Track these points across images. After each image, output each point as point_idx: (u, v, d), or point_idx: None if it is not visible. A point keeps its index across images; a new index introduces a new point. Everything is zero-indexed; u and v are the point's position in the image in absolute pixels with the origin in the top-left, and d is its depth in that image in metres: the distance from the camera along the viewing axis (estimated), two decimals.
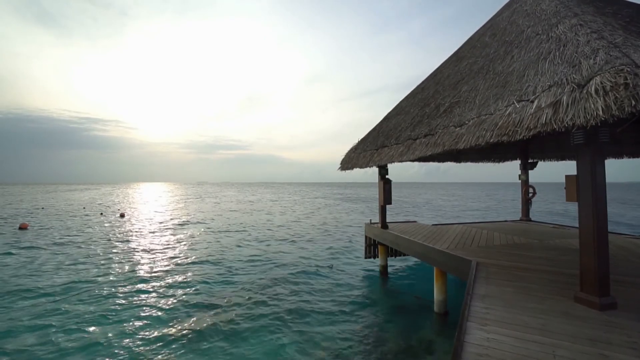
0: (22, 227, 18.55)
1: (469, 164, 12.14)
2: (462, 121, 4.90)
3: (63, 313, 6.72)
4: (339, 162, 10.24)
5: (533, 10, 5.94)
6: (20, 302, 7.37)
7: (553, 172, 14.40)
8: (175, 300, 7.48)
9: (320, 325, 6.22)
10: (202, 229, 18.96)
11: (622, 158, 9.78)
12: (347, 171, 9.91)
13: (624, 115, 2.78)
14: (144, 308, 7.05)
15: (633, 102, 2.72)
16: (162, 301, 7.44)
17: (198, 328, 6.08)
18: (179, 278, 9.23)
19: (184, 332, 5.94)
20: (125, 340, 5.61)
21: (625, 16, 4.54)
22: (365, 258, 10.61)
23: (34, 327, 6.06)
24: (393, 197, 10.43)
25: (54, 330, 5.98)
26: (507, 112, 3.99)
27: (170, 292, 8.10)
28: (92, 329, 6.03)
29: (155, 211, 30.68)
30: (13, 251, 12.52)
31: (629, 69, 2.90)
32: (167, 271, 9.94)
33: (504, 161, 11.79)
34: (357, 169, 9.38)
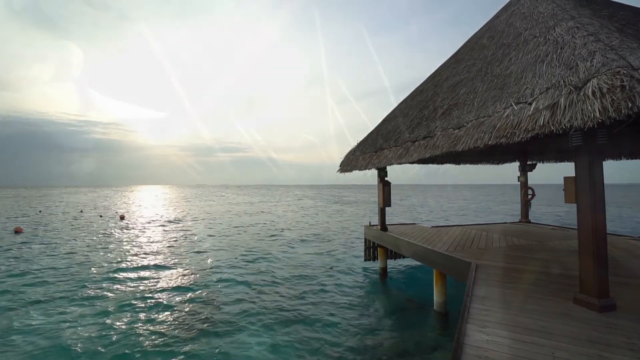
0: (17, 231, 18.05)
1: (468, 165, 12.16)
2: (460, 123, 4.92)
3: (63, 309, 6.73)
4: (339, 164, 10.25)
5: (530, 12, 5.98)
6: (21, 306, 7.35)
7: (552, 173, 14.36)
8: (174, 299, 7.47)
9: (320, 327, 6.19)
10: (199, 230, 18.90)
11: (621, 159, 9.80)
12: (346, 173, 9.92)
13: (620, 117, 2.80)
14: (143, 306, 7.03)
15: (629, 104, 2.75)
16: (159, 300, 7.43)
17: (192, 327, 6.05)
18: (178, 277, 9.21)
19: (182, 332, 5.92)
20: (122, 337, 5.60)
21: (621, 19, 4.58)
22: (365, 260, 10.60)
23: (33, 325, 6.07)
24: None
25: (54, 325, 5.98)
26: (505, 114, 4.01)
27: (169, 292, 8.09)
28: (85, 329, 6.02)
29: (154, 213, 30.66)
30: (2, 257, 12.36)
31: (625, 71, 2.93)
32: (164, 270, 9.93)
33: (503, 163, 11.81)
34: (357, 171, 9.39)
